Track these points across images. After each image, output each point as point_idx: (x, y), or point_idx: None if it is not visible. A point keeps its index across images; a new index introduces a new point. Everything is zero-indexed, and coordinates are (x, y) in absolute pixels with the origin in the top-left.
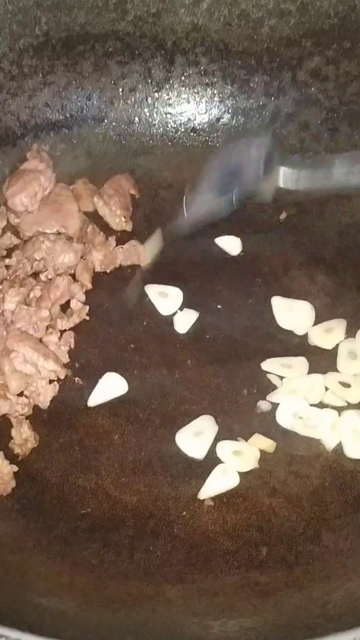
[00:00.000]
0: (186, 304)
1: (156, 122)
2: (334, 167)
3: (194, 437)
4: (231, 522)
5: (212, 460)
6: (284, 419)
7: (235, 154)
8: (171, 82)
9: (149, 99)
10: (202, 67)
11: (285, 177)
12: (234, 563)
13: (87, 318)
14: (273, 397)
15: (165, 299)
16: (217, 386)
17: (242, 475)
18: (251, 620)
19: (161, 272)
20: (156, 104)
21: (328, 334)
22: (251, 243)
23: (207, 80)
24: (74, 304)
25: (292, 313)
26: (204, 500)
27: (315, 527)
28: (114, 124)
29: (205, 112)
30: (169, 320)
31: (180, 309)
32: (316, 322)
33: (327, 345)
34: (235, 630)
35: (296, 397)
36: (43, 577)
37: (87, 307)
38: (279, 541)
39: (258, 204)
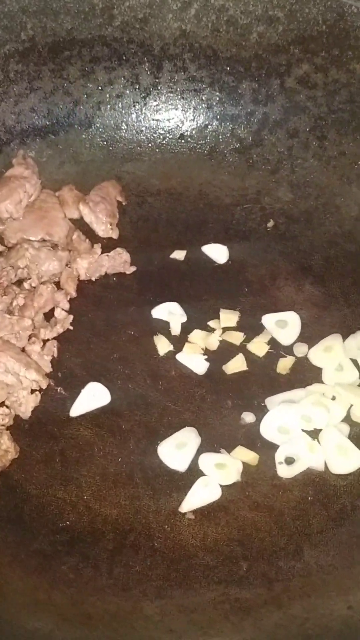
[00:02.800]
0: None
1: (144, 128)
2: None
3: (176, 450)
4: (212, 536)
5: (194, 473)
6: (268, 431)
7: None
8: (159, 88)
9: (137, 105)
10: (190, 73)
11: None
12: (213, 578)
13: (71, 328)
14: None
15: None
16: (202, 397)
17: (225, 488)
18: (229, 638)
19: (149, 282)
20: (144, 110)
21: (328, 353)
22: (238, 251)
23: (195, 87)
24: (58, 313)
25: (283, 330)
26: (185, 513)
27: (297, 542)
28: (101, 130)
29: (193, 119)
30: (153, 330)
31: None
32: (302, 333)
33: (330, 364)
34: None
35: (282, 410)
36: (20, 592)
37: (71, 317)
38: (260, 556)
39: (246, 212)
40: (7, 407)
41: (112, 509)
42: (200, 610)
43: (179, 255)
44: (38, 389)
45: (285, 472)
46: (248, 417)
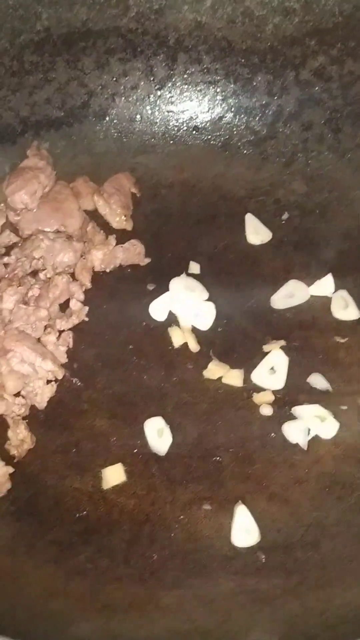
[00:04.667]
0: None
1: (158, 120)
2: None
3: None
4: (228, 527)
5: (210, 461)
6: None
7: None
8: (173, 79)
9: (151, 97)
10: (205, 65)
11: None
12: (230, 569)
13: (87, 319)
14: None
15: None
16: (216, 388)
17: (241, 479)
18: (247, 628)
19: (163, 270)
20: (158, 101)
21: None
22: (252, 244)
23: (209, 79)
24: (73, 304)
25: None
26: (202, 504)
27: (314, 534)
28: (115, 121)
29: (208, 111)
30: (166, 322)
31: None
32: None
33: (352, 315)
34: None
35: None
36: (37, 582)
37: (87, 308)
38: (277, 547)
39: (260, 205)
40: (23, 397)
41: (129, 500)
42: (218, 600)
43: (194, 269)
44: (54, 379)
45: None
46: (265, 410)
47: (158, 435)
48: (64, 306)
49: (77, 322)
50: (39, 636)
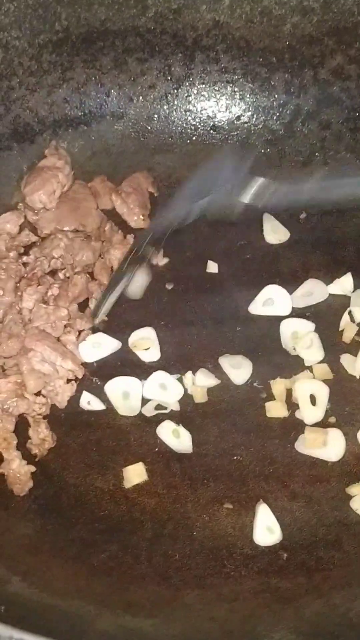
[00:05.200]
0: None
1: (175, 119)
2: (308, 183)
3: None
4: (250, 526)
5: (231, 460)
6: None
7: (211, 165)
8: (191, 79)
9: (169, 96)
10: (222, 65)
11: (258, 190)
12: (253, 568)
13: (106, 319)
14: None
15: None
16: (236, 387)
17: (262, 478)
18: (271, 627)
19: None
20: (176, 101)
21: None
22: (271, 243)
23: (227, 78)
24: (92, 304)
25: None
26: (223, 503)
27: (336, 532)
28: (132, 121)
29: (226, 110)
30: (186, 321)
31: None
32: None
33: None
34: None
35: None
36: (60, 579)
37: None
38: (299, 546)
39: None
40: (44, 396)
41: (150, 498)
42: (240, 599)
43: (212, 268)
44: (74, 378)
45: None
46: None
47: (175, 436)
48: (83, 306)
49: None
50: (63, 633)
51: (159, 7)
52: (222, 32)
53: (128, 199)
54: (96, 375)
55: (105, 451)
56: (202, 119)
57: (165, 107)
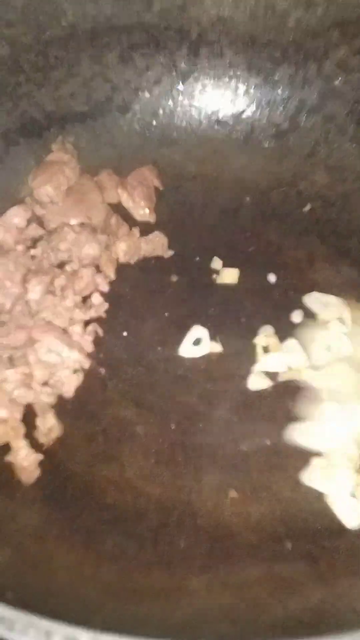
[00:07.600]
0: None
1: (180, 113)
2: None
3: None
4: (255, 515)
5: (236, 449)
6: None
7: None
8: (196, 74)
9: (174, 91)
10: (227, 59)
11: None
12: (257, 556)
13: (104, 315)
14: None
15: None
16: (241, 377)
17: (267, 467)
18: (276, 614)
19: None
20: (180, 95)
21: None
22: (275, 234)
23: (232, 72)
24: (94, 298)
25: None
26: (228, 492)
27: (341, 522)
28: (138, 115)
29: (230, 104)
30: (192, 311)
31: None
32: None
33: None
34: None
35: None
36: (67, 567)
37: (107, 305)
38: (304, 535)
39: (282, 196)
40: (51, 386)
41: (155, 487)
42: (245, 587)
43: (217, 264)
44: (80, 368)
45: None
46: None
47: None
48: (85, 298)
49: (95, 316)
50: (69, 620)
51: (164, 3)
52: (226, 27)
53: (134, 193)
54: (102, 365)
55: (111, 441)
56: (206, 113)
57: (170, 101)
